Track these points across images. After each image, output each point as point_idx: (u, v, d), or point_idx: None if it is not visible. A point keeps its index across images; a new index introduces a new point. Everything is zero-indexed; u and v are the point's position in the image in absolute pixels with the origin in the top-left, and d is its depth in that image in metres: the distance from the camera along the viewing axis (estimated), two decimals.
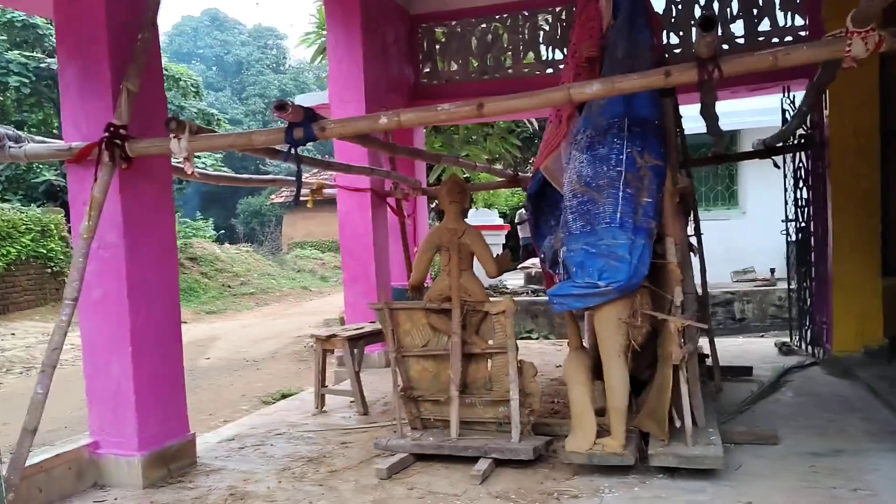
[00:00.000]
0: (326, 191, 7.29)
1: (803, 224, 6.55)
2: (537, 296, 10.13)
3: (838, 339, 5.92)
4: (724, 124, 5.57)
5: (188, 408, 4.33)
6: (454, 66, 7.91)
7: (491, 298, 4.21)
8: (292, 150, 3.52)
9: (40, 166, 16.18)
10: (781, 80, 6.62)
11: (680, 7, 7.02)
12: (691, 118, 5.20)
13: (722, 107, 5.38)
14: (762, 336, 8.77)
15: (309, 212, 27.23)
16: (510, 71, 7.73)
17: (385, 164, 6.88)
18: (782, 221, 6.91)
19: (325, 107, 7.94)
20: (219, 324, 15.25)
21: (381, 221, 7.01)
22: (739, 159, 6.50)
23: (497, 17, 7.72)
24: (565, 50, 7.48)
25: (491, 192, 15.28)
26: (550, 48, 7.55)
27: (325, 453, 4.38)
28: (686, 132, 5.11)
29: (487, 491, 3.60)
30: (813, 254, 6.45)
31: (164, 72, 6.03)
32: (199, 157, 16.22)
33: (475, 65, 7.83)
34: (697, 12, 7.00)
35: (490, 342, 4.15)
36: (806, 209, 6.50)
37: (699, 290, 4.63)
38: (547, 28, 7.53)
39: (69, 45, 3.81)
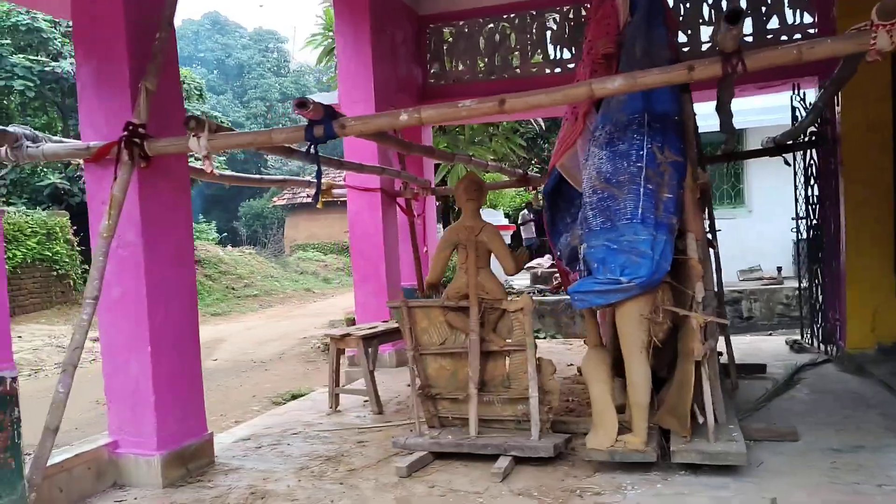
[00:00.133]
0: (335, 191, 7.28)
1: (815, 221, 6.54)
2: (544, 296, 10.12)
3: (852, 336, 5.91)
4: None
5: None
6: (462, 67, 7.92)
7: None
8: (312, 148, 3.51)
9: (45, 170, 16.18)
10: (791, 77, 6.63)
11: (688, 5, 7.02)
12: (701, 116, 5.19)
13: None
14: (770, 334, 8.75)
15: (311, 214, 27.31)
16: (518, 71, 7.73)
17: (395, 165, 6.89)
18: (792, 219, 6.91)
19: (335, 107, 7.94)
20: (223, 326, 15.24)
21: (391, 221, 7.01)
22: (749, 157, 6.50)
23: (505, 16, 7.73)
24: (574, 49, 7.50)
25: (496, 192, 15.26)
26: (559, 48, 7.55)
27: (342, 452, 4.37)
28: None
29: (509, 489, 3.59)
30: (825, 251, 6.44)
31: None
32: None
33: (483, 65, 7.83)
34: (706, 11, 7.00)
35: (508, 340, 4.14)
36: (817, 206, 6.49)
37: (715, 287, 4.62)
38: (555, 27, 7.53)
39: (87, 44, 3.81)
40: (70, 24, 14.13)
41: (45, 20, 16.86)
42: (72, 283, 15.53)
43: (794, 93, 6.64)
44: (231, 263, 21.41)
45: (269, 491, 3.74)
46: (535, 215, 17.48)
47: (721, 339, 5.08)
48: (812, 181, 6.51)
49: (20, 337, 12.14)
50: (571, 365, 6.53)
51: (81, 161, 3.92)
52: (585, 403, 5.13)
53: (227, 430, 5.34)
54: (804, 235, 6.77)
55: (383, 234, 6.83)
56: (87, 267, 16.09)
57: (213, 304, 17.89)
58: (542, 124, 11.89)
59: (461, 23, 7.84)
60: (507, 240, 14.60)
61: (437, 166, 10.42)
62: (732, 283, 10.26)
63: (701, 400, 3.65)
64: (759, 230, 10.69)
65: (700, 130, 5.87)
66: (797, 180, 6.82)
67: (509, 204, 19.09)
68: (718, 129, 6.22)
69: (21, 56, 16.16)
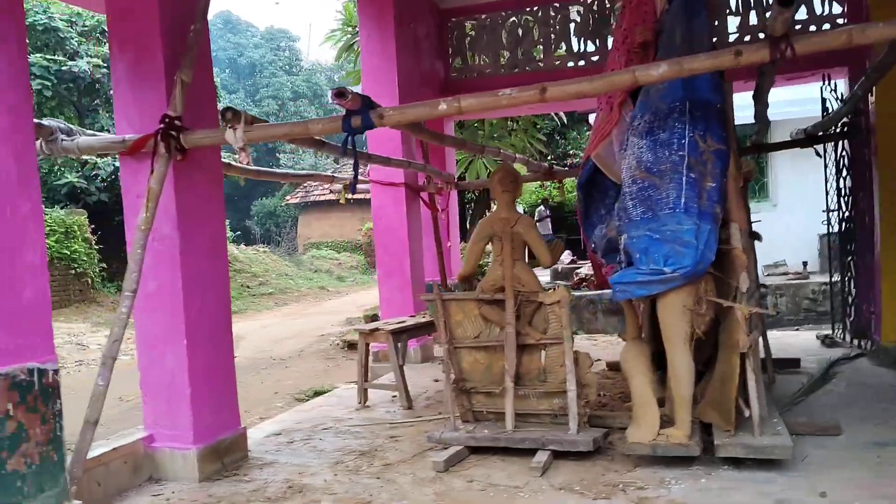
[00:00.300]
0: (359, 186, 7.24)
1: (847, 213, 6.44)
2: (548, 292, 10.01)
3: (887, 330, 5.81)
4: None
5: None
6: (484, 60, 7.86)
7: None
8: (350, 138, 3.47)
9: (62, 168, 16.26)
10: (821, 68, 6.52)
11: None
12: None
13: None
14: (797, 329, 8.65)
15: (324, 212, 27.32)
16: (541, 64, 7.67)
17: (418, 159, 6.85)
18: (823, 212, 6.80)
19: None
20: (241, 324, 15.25)
21: (415, 216, 6.97)
22: (779, 148, 6.39)
23: (527, 9, 7.67)
24: (598, 42, 7.42)
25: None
26: (582, 40, 7.48)
27: (375, 447, 4.33)
28: None
29: (549, 483, 3.54)
30: (857, 243, 6.34)
31: None
32: None
33: (505, 58, 7.77)
34: (733, 1, 6.92)
35: (544, 333, 4.09)
36: (850, 198, 6.39)
37: None
38: (578, 20, 7.46)
39: (122, 37, 3.79)
40: (86, 23, 14.08)
41: (61, 20, 16.94)
42: (90, 282, 15.60)
43: (824, 83, 6.54)
44: (245, 262, 21.45)
45: (307, 485, 3.71)
46: (550, 212, 17.41)
47: None
48: (844, 172, 6.40)
49: None
50: (599, 360, 6.46)
51: (95, 157, 3.89)
52: (617, 398, 5.09)
53: (254, 426, 5.31)
54: (835, 228, 6.66)
55: (407, 229, 6.79)
56: (105, 265, 16.23)
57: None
58: (564, 118, 11.79)
59: (483, 16, 7.78)
60: None
61: (457, 161, 10.38)
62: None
63: (744, 393, 3.59)
64: (784, 224, 10.54)
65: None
66: (828, 172, 6.72)
67: (528, 200, 19.00)
68: (748, 121, 6.16)
69: (38, 55, 16.23)
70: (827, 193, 6.73)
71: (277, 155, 35.09)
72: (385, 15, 6.69)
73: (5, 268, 2.84)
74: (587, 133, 20.36)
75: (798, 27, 6.72)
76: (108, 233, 15.98)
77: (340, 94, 3.30)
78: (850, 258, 6.48)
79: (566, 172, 7.66)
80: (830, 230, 6.81)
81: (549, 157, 15.14)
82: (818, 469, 3.50)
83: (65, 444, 3.10)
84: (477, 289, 4.22)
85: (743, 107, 5.27)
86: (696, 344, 3.67)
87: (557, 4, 7.53)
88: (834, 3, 6.77)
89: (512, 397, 4.02)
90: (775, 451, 3.43)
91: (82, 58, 16.91)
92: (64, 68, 16.56)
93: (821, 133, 6.17)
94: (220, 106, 3.89)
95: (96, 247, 15.79)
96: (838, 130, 6.23)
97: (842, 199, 6.50)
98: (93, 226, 15.75)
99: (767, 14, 6.81)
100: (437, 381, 6.18)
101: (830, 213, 6.74)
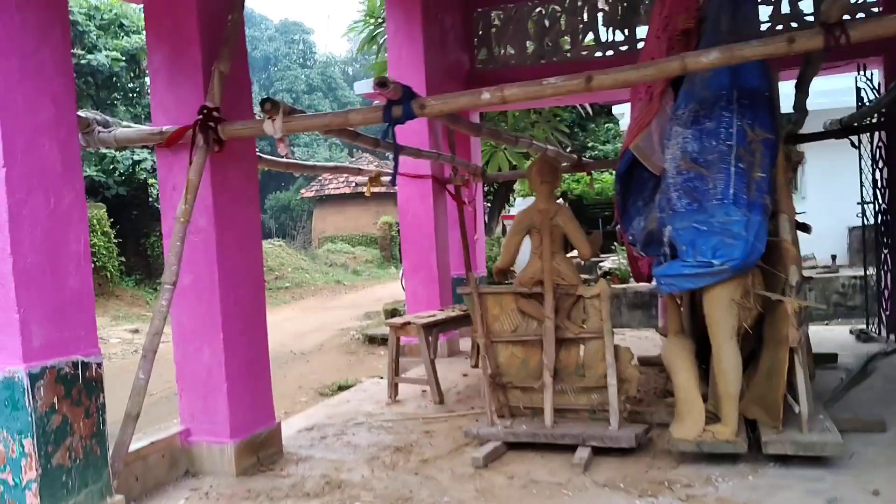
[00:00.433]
0: (383, 178, 7.20)
1: (883, 206, 6.31)
2: (588, 286, 9.93)
3: None
4: (787, 107, 5.37)
5: None
6: (510, 51, 7.76)
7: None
8: (390, 130, 3.42)
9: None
10: (857, 57, 6.38)
11: None
12: None
13: (784, 88, 5.19)
14: (827, 324, 8.52)
15: (338, 206, 27.30)
16: (568, 55, 7.57)
17: (444, 151, 6.78)
18: (858, 204, 6.67)
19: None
20: None
21: (442, 209, 6.91)
22: (815, 139, 6.26)
23: None
24: (626, 31, 7.31)
25: None
26: (610, 29, 7.36)
27: (410, 442, 4.29)
28: None
29: (592, 480, 3.48)
30: (893, 236, 6.21)
31: None
32: None
33: (532, 49, 7.67)
34: None
35: (583, 326, 4.02)
36: (886, 190, 6.26)
37: None
38: (607, 9, 7.34)
39: (158, 29, 3.75)
40: (104, 17, 14.03)
41: (80, 13, 16.96)
42: (108, 276, 15.66)
43: (859, 73, 6.41)
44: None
45: (344, 480, 3.67)
46: (570, 205, 17.29)
47: None
48: (881, 164, 6.27)
49: None
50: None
51: (114, 150, 3.87)
52: (651, 393, 5.02)
53: (282, 421, 5.28)
54: (871, 220, 6.53)
55: (434, 223, 6.73)
56: (123, 259, 16.29)
57: None
58: (589, 109, 11.64)
59: (510, 6, 7.68)
60: None
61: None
62: None
63: (792, 389, 3.51)
64: (812, 218, 10.36)
65: None
66: (862, 164, 6.59)
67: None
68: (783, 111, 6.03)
69: None
70: (862, 185, 6.60)
71: (292, 147, 35.11)
72: (413, 7, 6.63)
73: (51, 258, 2.82)
74: (605, 125, 20.20)
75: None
76: (126, 227, 16.05)
77: (382, 83, 3.25)
78: (885, 251, 6.35)
79: (595, 164, 7.56)
80: (865, 222, 6.68)
81: (567, 149, 15.02)
82: (868, 466, 3.42)
83: (107, 437, 3.09)
84: (515, 282, 4.16)
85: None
86: (743, 338, 3.60)
87: None
88: None
89: (551, 393, 3.96)
90: (825, 448, 3.36)
91: (101, 51, 16.93)
92: (83, 62, 16.59)
93: (857, 123, 6.04)
94: None
95: (115, 241, 15.86)
96: (875, 121, 6.10)
97: (877, 190, 6.37)
98: (112, 220, 15.81)
99: (800, 2, 6.76)
100: (465, 375, 6.13)
101: (865, 206, 6.61)
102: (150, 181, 15.65)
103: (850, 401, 4.59)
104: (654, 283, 5.47)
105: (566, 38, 7.56)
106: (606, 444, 3.75)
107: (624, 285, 9.99)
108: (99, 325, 12.78)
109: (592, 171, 7.81)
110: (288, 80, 39.22)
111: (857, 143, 6.33)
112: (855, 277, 8.95)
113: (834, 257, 9.98)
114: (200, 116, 3.49)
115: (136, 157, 15.43)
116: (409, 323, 5.27)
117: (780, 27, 6.78)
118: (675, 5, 4.03)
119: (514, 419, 4.18)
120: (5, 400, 2.73)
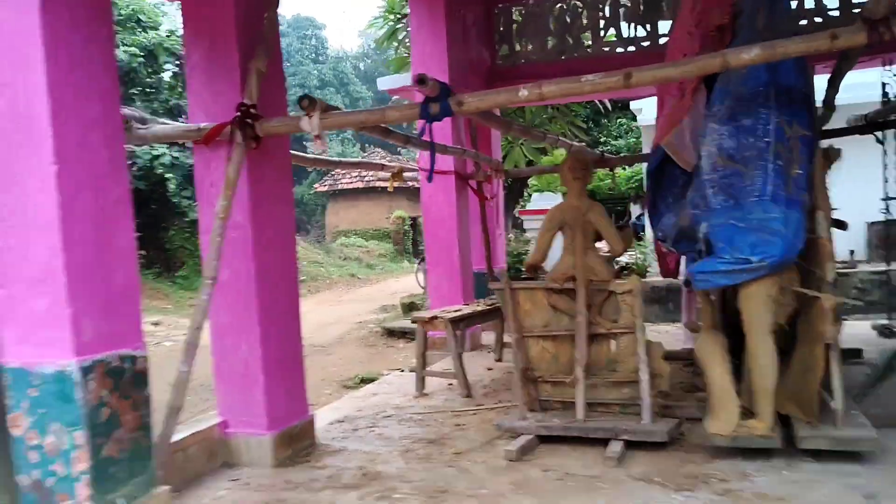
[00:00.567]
0: (406, 174, 7.23)
1: None
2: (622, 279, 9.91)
3: None
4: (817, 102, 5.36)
5: None
6: (531, 47, 7.76)
7: None
8: (428, 127, 3.45)
9: None
10: (881, 52, 6.34)
11: None
12: None
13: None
14: (845, 319, 8.46)
15: (352, 200, 27.40)
16: (589, 50, 7.56)
17: (466, 146, 6.80)
18: (882, 200, 6.64)
19: (405, 89, 7.90)
20: None
21: (464, 204, 6.94)
22: (838, 135, 6.25)
23: None
24: (648, 27, 7.29)
25: (556, 175, 15.07)
26: (632, 25, 7.34)
27: (442, 435, 4.34)
28: None
29: (627, 473, 3.51)
30: None
31: None
32: None
33: (553, 45, 7.66)
34: None
35: (615, 321, 4.05)
36: None
37: None
38: (629, 4, 7.32)
39: (196, 27, 3.79)
40: (121, 12, 14.10)
41: None
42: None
43: (884, 68, 6.36)
44: None
45: (380, 472, 3.72)
46: None
47: None
48: None
49: None
50: None
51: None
52: (678, 388, 5.03)
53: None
54: (894, 216, 6.50)
55: (457, 218, 6.76)
56: (143, 252, 16.41)
57: None
58: (609, 105, 11.61)
59: (531, 2, 7.68)
60: None
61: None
62: None
63: (826, 385, 3.53)
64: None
65: None
66: (886, 160, 6.55)
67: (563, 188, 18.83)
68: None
69: None
70: (886, 181, 6.57)
71: (304, 143, 35.21)
72: (436, 3, 6.64)
73: (99, 254, 2.87)
74: (617, 120, 20.15)
75: (856, 10, 6.55)
76: (144, 220, 16.14)
77: (421, 80, 3.28)
78: None
79: (618, 159, 7.56)
80: (888, 218, 6.64)
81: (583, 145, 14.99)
82: None
83: (152, 430, 3.14)
84: (547, 277, 4.19)
85: None
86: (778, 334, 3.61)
87: None
88: None
89: (583, 387, 3.99)
90: (861, 444, 3.38)
91: (118, 47, 17.05)
92: None
93: (883, 119, 6.00)
94: None
95: (135, 234, 15.98)
96: None
97: None
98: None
99: None
100: (490, 369, 6.17)
101: (889, 201, 6.58)
102: (168, 175, 15.74)
103: (877, 396, 4.58)
104: (680, 278, 5.49)
105: (587, 33, 7.55)
106: (639, 439, 3.78)
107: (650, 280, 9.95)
108: None
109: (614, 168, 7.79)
110: (300, 76, 39.28)
111: (882, 139, 6.29)
112: (874, 273, 8.88)
113: (852, 252, 9.91)
114: (238, 113, 3.53)
115: (154, 153, 15.53)
116: (436, 317, 5.31)
117: (803, 22, 6.75)
118: (709, 1, 4.03)
119: (545, 413, 4.21)
120: (57, 393, 2.78)
